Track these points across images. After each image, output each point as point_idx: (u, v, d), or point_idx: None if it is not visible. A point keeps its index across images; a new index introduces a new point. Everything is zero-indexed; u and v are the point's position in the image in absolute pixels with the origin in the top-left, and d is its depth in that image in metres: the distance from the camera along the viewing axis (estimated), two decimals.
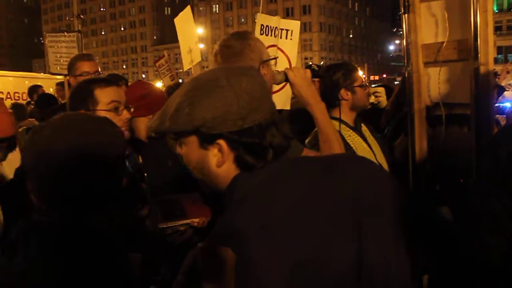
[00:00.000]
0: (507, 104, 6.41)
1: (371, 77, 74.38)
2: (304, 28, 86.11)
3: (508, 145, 1.63)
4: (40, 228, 1.21)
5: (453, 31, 2.47)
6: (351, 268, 1.05)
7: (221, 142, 1.12)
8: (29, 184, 1.28)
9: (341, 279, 1.04)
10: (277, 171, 1.14)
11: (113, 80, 2.21)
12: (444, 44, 2.49)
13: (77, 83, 2.25)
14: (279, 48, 4.36)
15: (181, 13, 7.34)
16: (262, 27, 4.54)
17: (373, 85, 6.01)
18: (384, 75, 76.07)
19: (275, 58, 2.16)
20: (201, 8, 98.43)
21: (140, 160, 2.41)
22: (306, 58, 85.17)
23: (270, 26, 4.52)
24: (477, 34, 2.31)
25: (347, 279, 1.05)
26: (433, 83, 2.61)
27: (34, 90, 8.14)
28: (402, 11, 2.61)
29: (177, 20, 7.12)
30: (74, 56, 3.83)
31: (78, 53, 9.29)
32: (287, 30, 4.45)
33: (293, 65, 3.97)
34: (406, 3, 2.58)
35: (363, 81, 2.90)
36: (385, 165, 2.78)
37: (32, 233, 1.19)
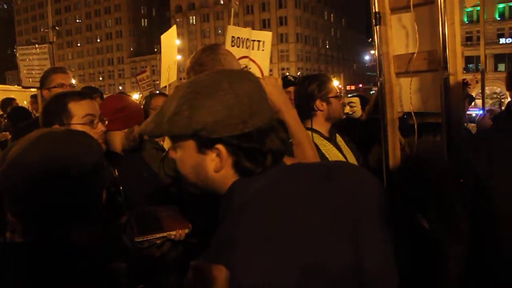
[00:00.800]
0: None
1: (348, 87, 75.15)
2: (281, 39, 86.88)
3: (466, 151, 1.70)
4: (15, 253, 1.17)
5: (423, 42, 2.53)
6: (351, 274, 1.06)
7: (220, 146, 1.10)
8: (4, 201, 1.24)
9: (342, 285, 1.05)
10: (276, 177, 1.13)
11: (87, 93, 2.20)
12: (415, 55, 2.55)
13: (50, 96, 2.23)
14: (251, 59, 4.41)
15: (168, 31, 7.42)
16: (233, 39, 4.58)
17: (348, 95, 6.10)
18: (360, 85, 77.06)
19: (246, 68, 2.19)
20: (178, 20, 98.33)
21: (116, 173, 2.40)
22: (283, 69, 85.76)
23: (241, 38, 4.57)
24: (445, 45, 2.38)
25: (347, 285, 1.06)
26: (405, 93, 2.67)
27: (7, 103, 7.99)
28: (374, 23, 2.66)
29: (163, 37, 7.19)
30: (48, 69, 3.81)
31: (51, 66, 9.23)
32: (258, 41, 4.51)
33: (264, 74, 4.02)
34: (377, 15, 2.64)
35: (338, 92, 2.95)
36: None
37: (6, 260, 1.15)
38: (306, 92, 2.88)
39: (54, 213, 1.22)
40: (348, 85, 79.08)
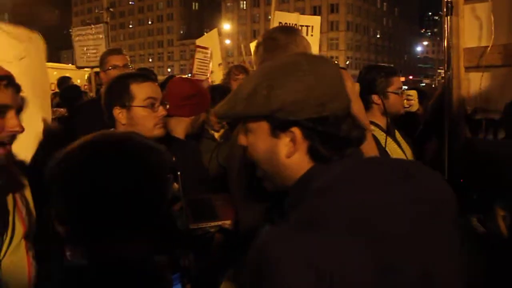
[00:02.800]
0: None
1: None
2: (331, 26, 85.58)
3: None
4: (79, 279, 1.07)
5: (499, 35, 2.37)
6: (424, 280, 0.99)
7: (296, 130, 1.04)
8: (57, 210, 1.09)
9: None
10: (356, 166, 1.07)
11: (149, 76, 2.17)
12: (489, 48, 2.39)
13: (113, 77, 2.21)
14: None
15: (206, 35, 7.10)
16: (281, 25, 4.46)
17: (404, 88, 5.88)
18: (411, 77, 75.08)
19: None
20: (228, 4, 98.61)
21: (174, 159, 2.37)
22: (332, 57, 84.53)
23: (289, 23, 4.43)
24: None
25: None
26: (473, 88, 2.51)
27: (63, 81, 8.22)
28: (445, 13, 2.51)
29: (199, 41, 6.75)
30: (105, 51, 3.85)
31: (108, 48, 9.40)
32: (307, 27, 4.36)
33: None
34: (449, 5, 2.48)
35: (399, 88, 2.78)
36: None
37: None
38: (365, 82, 2.75)
39: (115, 228, 1.07)
40: None
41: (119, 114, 2.01)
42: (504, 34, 2.35)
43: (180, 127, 2.58)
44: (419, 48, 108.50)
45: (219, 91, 3.64)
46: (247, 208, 1.85)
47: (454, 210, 1.08)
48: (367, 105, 2.72)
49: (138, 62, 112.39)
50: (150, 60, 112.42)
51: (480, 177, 2.59)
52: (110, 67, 3.40)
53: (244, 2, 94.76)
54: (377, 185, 1.01)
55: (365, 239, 0.91)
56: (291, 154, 1.07)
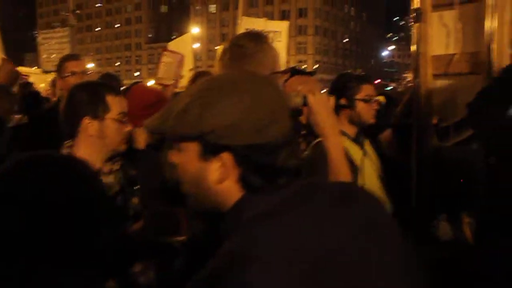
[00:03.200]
0: None
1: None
2: (299, 31, 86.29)
3: None
4: None
5: (466, 42, 2.36)
6: None
7: (227, 155, 0.95)
8: None
9: None
10: (291, 194, 0.97)
11: (119, 90, 2.09)
12: (456, 56, 2.38)
13: (83, 85, 2.10)
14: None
15: (178, 38, 6.90)
16: (248, 31, 4.38)
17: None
18: (378, 80, 76.31)
19: (287, 73, 1.98)
20: (197, 8, 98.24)
21: (134, 172, 2.27)
22: (300, 61, 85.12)
23: (255, 30, 4.36)
24: (491, 46, 2.20)
25: None
26: (441, 96, 2.50)
27: (24, 87, 7.94)
28: (413, 20, 2.49)
29: (171, 44, 6.60)
30: (62, 57, 3.72)
31: (70, 50, 9.15)
32: (274, 32, 4.30)
33: (281, 67, 3.83)
34: (417, 12, 2.47)
35: (369, 95, 2.66)
36: (384, 179, 2.66)
37: None
38: (334, 88, 2.70)
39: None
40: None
41: (88, 124, 1.91)
42: (471, 42, 2.34)
43: (141, 138, 2.48)
44: (385, 53, 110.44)
45: None
46: (195, 222, 1.77)
47: (396, 234, 1.03)
48: (336, 112, 2.67)
49: (105, 65, 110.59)
50: (118, 63, 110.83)
51: (447, 185, 2.59)
52: (68, 74, 3.27)
53: (213, 6, 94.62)
54: (314, 213, 0.94)
55: (304, 269, 0.85)
56: (220, 181, 0.98)
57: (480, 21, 2.23)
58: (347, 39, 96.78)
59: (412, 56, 2.56)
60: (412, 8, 2.50)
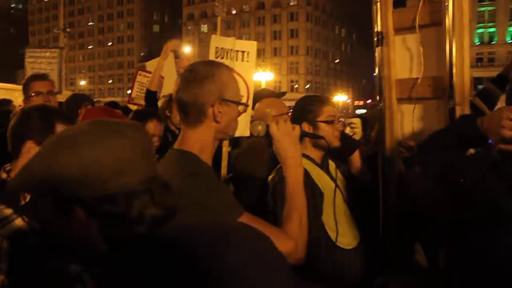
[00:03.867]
0: None
1: (356, 102, 75.02)
2: (291, 51, 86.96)
3: None
4: None
5: (428, 66, 2.32)
6: None
7: (78, 209, 0.95)
8: None
9: None
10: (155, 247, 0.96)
11: (72, 118, 1.98)
12: (419, 80, 2.34)
13: (39, 108, 2.01)
14: (235, 71, 4.18)
15: (156, 58, 6.61)
16: (217, 50, 4.34)
17: (350, 116, 5.86)
18: (369, 101, 76.88)
19: (245, 105, 1.91)
20: (189, 27, 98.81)
21: None
22: (292, 81, 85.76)
23: (225, 48, 4.33)
24: (452, 71, 2.16)
25: None
26: (406, 121, 2.44)
27: (2, 103, 7.82)
28: (376, 43, 2.45)
29: (153, 62, 6.41)
30: (27, 77, 3.63)
31: (59, 71, 9.07)
32: (243, 52, 4.28)
33: (250, 87, 3.78)
34: (380, 35, 2.43)
35: (332, 116, 2.54)
36: (349, 200, 2.58)
37: None
38: (297, 111, 2.62)
39: None
40: (357, 100, 78.94)
41: (31, 148, 1.85)
42: (433, 66, 2.30)
43: None
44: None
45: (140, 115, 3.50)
46: None
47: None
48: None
49: (97, 83, 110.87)
50: (110, 81, 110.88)
51: (413, 211, 2.53)
52: (33, 94, 3.19)
53: (205, 26, 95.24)
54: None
55: None
56: (83, 234, 0.97)
57: (441, 45, 2.20)
58: (338, 60, 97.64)
59: (376, 80, 2.51)
60: (374, 31, 2.45)
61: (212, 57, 3.80)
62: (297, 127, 1.91)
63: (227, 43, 4.04)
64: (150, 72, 5.71)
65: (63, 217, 0.97)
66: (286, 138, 1.82)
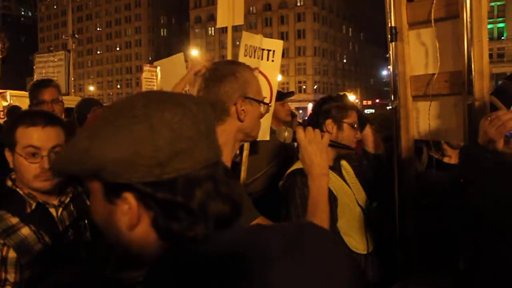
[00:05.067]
0: None
1: (364, 102, 74.66)
2: (299, 52, 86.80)
3: None
4: None
5: (445, 62, 2.23)
6: None
7: (129, 196, 0.79)
8: None
9: None
10: (224, 251, 0.78)
11: (45, 119, 1.84)
12: (435, 76, 2.25)
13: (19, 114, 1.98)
14: (260, 72, 4.10)
15: (172, 58, 6.60)
16: (246, 48, 4.28)
17: (365, 111, 5.75)
18: (377, 100, 76.52)
19: (268, 105, 1.82)
20: (196, 30, 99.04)
21: (88, 203, 2.12)
22: (299, 82, 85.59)
23: (253, 46, 4.27)
24: (471, 66, 2.07)
25: None
26: (422, 118, 2.36)
27: (13, 111, 7.85)
28: (389, 38, 2.37)
29: (164, 64, 6.38)
30: (33, 83, 3.60)
31: (66, 73, 9.10)
32: (268, 51, 4.20)
33: (273, 89, 3.71)
34: (394, 30, 2.34)
35: (355, 122, 2.57)
36: (363, 204, 2.51)
37: None
38: (321, 108, 2.56)
39: None
40: (365, 100, 78.58)
41: (8, 156, 1.81)
42: (450, 61, 2.21)
43: None
44: (384, 72, 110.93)
45: None
46: None
47: (352, 282, 0.84)
48: None
49: (106, 88, 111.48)
50: (119, 86, 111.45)
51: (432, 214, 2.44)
52: (36, 103, 3.15)
53: (212, 28, 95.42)
54: (254, 269, 0.75)
55: None
56: (132, 227, 0.81)
57: (458, 39, 2.11)
58: (345, 59, 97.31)
59: (391, 77, 2.43)
60: (388, 26, 2.37)
61: (241, 54, 3.71)
62: (326, 135, 1.82)
63: (255, 40, 3.94)
64: (153, 66, 5.75)
65: (107, 206, 0.82)
66: (313, 145, 1.73)
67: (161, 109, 0.80)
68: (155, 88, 5.71)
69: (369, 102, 73.56)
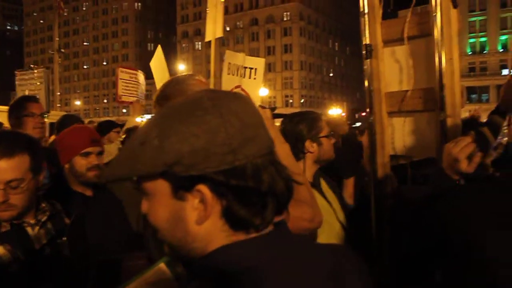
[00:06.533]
0: None
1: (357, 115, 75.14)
2: (285, 66, 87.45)
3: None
4: None
5: (419, 78, 2.28)
6: None
7: (203, 188, 0.81)
8: None
9: None
10: (277, 247, 0.84)
11: (12, 150, 1.80)
12: (409, 92, 2.29)
13: None
14: (242, 89, 4.16)
15: (154, 55, 7.01)
16: (230, 66, 4.36)
17: (358, 124, 5.82)
18: (363, 113, 76.98)
19: None
20: (184, 45, 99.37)
21: (67, 221, 2.11)
22: (286, 96, 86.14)
23: (236, 64, 4.35)
24: (442, 83, 2.12)
25: None
26: (397, 134, 2.40)
27: None
28: (365, 56, 2.42)
29: (152, 64, 6.76)
30: (21, 97, 3.67)
31: (46, 89, 9.07)
32: (251, 69, 4.27)
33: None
34: (368, 48, 2.39)
35: (329, 131, 2.65)
36: (343, 221, 2.53)
37: None
38: (294, 131, 2.57)
39: None
40: (355, 112, 79.12)
41: None
42: (423, 78, 2.26)
43: (70, 179, 2.39)
44: None
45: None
46: None
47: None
48: (297, 155, 2.52)
49: (93, 102, 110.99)
50: (105, 100, 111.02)
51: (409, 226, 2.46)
52: (27, 114, 3.22)
53: (199, 43, 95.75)
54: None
55: None
56: (202, 220, 0.82)
57: (430, 56, 2.16)
58: (332, 73, 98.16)
59: (366, 93, 2.47)
60: (363, 43, 2.42)
61: (224, 72, 3.79)
62: (268, 110, 1.86)
63: (238, 59, 4.03)
64: (130, 68, 5.81)
65: (175, 204, 0.84)
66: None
67: (227, 102, 0.84)
68: (136, 92, 5.75)
69: (356, 116, 74.12)
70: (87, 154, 2.45)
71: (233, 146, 0.80)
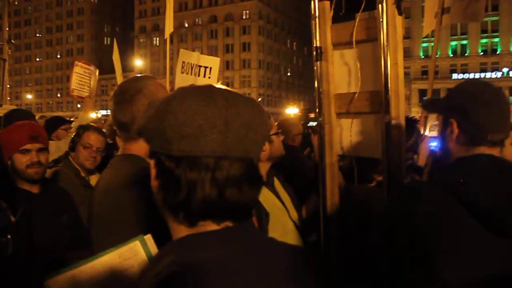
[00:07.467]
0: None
1: (310, 115, 76.08)
2: (243, 64, 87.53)
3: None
4: None
5: (366, 81, 2.35)
6: None
7: (152, 162, 0.94)
8: None
9: None
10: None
11: None
12: (357, 95, 2.37)
13: None
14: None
15: (114, 49, 7.12)
16: (183, 65, 4.35)
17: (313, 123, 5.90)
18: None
19: None
20: (141, 40, 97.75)
21: (13, 219, 2.06)
22: (244, 94, 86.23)
23: (190, 63, 4.35)
24: (388, 86, 2.20)
25: None
26: (345, 135, 2.47)
27: None
28: (315, 58, 2.47)
29: (114, 57, 6.84)
30: None
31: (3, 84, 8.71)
32: (205, 67, 4.29)
33: None
34: (319, 50, 2.45)
35: (277, 129, 2.71)
36: (296, 220, 2.59)
37: None
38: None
39: None
40: (309, 113, 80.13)
41: None
42: (370, 81, 2.33)
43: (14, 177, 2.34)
44: None
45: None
46: None
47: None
48: None
49: (46, 96, 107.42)
50: (59, 95, 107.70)
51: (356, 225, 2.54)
52: None
53: (157, 39, 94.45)
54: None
55: None
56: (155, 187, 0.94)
57: (377, 60, 2.23)
58: (289, 73, 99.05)
59: (315, 94, 2.53)
60: (313, 46, 2.48)
61: (178, 71, 3.78)
62: None
63: (193, 57, 4.04)
64: (87, 64, 5.72)
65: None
66: None
67: (185, 96, 0.90)
68: (87, 86, 5.64)
69: (313, 115, 75.13)
70: (26, 151, 2.42)
71: (168, 136, 0.86)
